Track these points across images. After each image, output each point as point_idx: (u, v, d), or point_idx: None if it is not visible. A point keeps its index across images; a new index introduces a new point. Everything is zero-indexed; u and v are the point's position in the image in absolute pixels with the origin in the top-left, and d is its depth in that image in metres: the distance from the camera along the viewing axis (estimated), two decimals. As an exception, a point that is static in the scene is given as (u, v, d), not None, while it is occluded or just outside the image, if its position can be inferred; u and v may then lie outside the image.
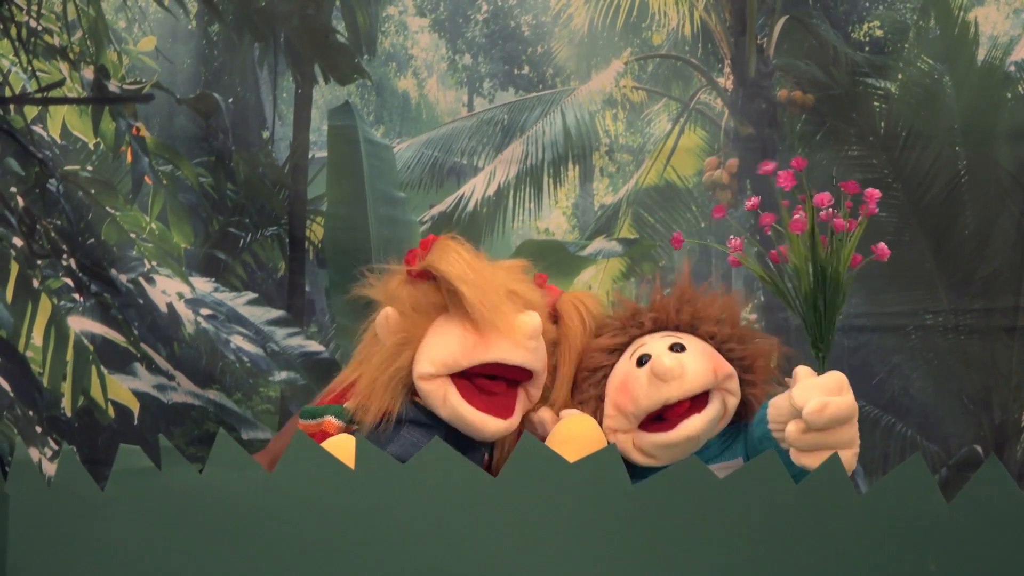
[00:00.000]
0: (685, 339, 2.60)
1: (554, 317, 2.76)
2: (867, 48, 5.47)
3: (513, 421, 2.61)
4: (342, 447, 2.28)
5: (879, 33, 5.49)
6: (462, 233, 5.05)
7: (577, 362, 2.68)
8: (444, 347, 2.59)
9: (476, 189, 5.65)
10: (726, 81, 5.52)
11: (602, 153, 5.64)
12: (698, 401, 2.52)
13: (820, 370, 2.39)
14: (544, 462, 2.05)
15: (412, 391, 2.64)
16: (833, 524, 2.02)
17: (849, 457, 2.29)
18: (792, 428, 2.29)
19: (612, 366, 2.64)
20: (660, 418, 2.53)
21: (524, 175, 5.62)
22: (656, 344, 2.59)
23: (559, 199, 5.66)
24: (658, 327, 2.66)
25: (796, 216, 2.51)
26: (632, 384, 2.54)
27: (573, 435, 2.41)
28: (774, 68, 5.48)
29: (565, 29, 5.63)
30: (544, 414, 2.66)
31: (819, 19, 5.46)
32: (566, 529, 2.04)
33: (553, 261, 5.48)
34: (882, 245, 2.53)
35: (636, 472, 2.48)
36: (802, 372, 2.36)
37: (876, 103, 5.44)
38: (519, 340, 2.58)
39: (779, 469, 2.02)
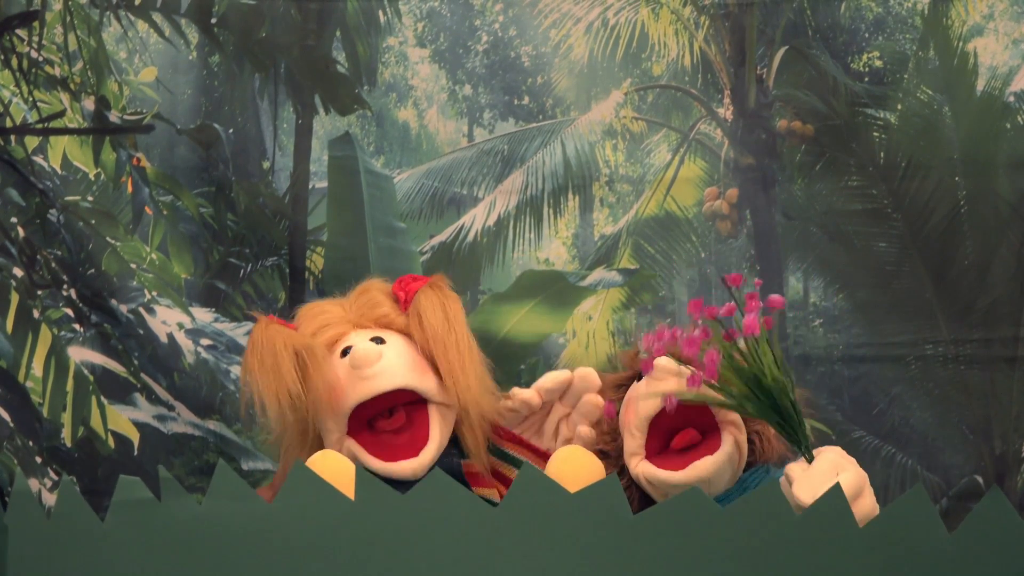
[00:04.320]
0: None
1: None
2: (867, 78, 5.48)
3: (426, 453, 2.53)
4: (335, 465, 2.29)
5: (879, 63, 5.51)
6: (462, 263, 5.06)
7: (447, 352, 2.59)
8: (327, 423, 2.54)
9: (476, 219, 5.66)
10: (726, 111, 5.53)
11: (602, 183, 5.65)
12: (710, 439, 2.49)
13: (809, 458, 2.31)
14: (545, 492, 2.04)
15: None
16: (834, 555, 2.01)
17: None
18: None
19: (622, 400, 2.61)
20: (669, 448, 2.49)
21: (524, 205, 5.63)
22: (661, 360, 2.55)
23: (559, 229, 5.67)
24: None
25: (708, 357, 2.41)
26: (632, 396, 2.53)
27: (565, 474, 2.37)
28: (774, 98, 5.50)
29: (565, 60, 5.65)
30: (584, 430, 2.61)
31: (819, 50, 5.48)
32: (567, 559, 2.03)
33: (553, 291, 5.49)
34: (776, 297, 2.45)
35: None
36: (794, 471, 2.29)
37: (876, 133, 5.45)
38: (360, 375, 2.51)
39: (780, 499, 2.02)
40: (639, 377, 2.57)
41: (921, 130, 5.43)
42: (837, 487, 2.04)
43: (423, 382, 2.56)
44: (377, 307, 2.66)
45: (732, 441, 2.49)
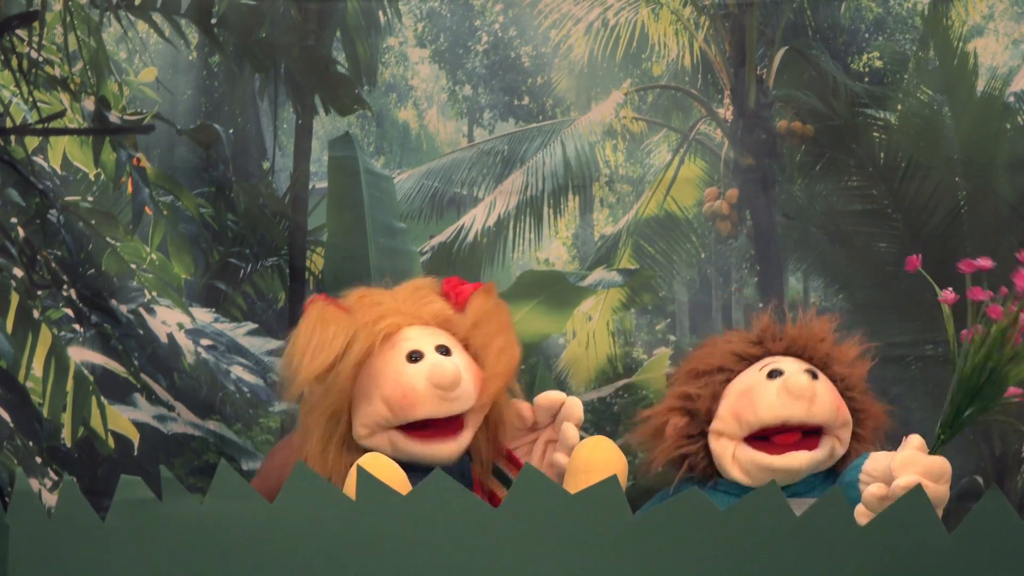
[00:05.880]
0: (818, 372, 2.61)
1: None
2: (867, 79, 5.48)
3: (464, 436, 2.59)
4: (382, 466, 2.30)
5: (878, 64, 5.51)
6: (462, 263, 5.05)
7: (499, 359, 2.64)
8: (373, 411, 2.56)
9: (476, 220, 5.65)
10: (726, 112, 5.53)
11: (602, 184, 5.65)
12: (809, 438, 2.52)
13: (936, 451, 2.40)
14: (545, 493, 2.04)
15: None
16: (834, 555, 2.02)
17: None
18: (874, 490, 2.27)
19: (738, 373, 2.63)
20: (766, 439, 2.52)
21: (524, 206, 5.62)
22: (791, 364, 2.59)
23: (559, 229, 5.67)
24: (792, 352, 2.66)
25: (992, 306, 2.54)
26: (757, 393, 2.53)
27: (595, 464, 2.40)
28: (774, 99, 5.49)
29: (565, 60, 5.65)
30: (559, 458, 2.63)
31: (819, 50, 5.48)
32: (567, 560, 2.03)
33: (553, 292, 5.48)
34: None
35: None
36: (914, 441, 2.36)
37: (876, 134, 5.45)
38: (440, 394, 2.53)
39: (780, 501, 2.02)
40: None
41: (921, 130, 5.42)
42: (835, 490, 2.05)
43: (481, 398, 2.61)
44: (431, 303, 2.69)
45: (830, 447, 2.54)
